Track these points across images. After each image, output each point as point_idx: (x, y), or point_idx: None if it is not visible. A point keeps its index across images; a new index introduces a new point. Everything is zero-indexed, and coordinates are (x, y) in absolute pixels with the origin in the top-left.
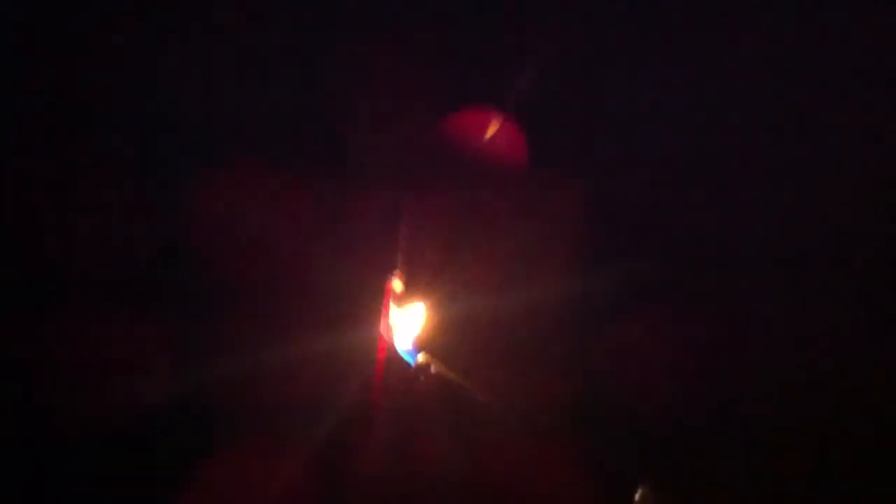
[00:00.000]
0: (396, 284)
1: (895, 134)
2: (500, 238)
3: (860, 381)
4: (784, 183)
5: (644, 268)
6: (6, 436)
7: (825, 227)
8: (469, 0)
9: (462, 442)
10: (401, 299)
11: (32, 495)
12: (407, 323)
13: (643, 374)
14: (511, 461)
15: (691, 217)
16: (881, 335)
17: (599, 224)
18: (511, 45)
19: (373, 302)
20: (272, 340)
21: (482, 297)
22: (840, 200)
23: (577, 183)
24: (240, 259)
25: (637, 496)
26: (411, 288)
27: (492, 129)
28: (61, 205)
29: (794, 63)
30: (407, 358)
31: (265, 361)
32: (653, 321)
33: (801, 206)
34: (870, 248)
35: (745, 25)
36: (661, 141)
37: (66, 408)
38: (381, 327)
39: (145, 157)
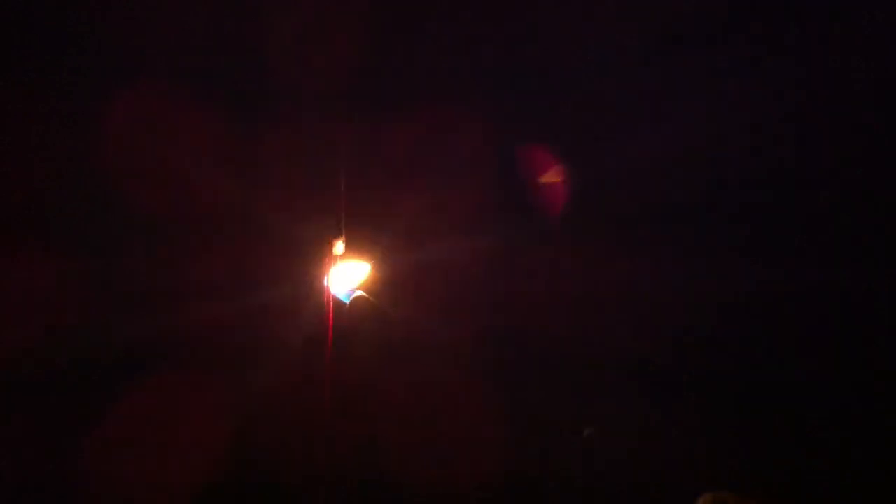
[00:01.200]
0: (338, 246)
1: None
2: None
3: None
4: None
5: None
6: None
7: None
8: None
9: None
10: (343, 256)
11: None
12: (351, 278)
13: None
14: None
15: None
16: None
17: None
18: None
19: (318, 257)
20: (227, 288)
21: (421, 251)
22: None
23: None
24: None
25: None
26: (354, 244)
27: None
28: None
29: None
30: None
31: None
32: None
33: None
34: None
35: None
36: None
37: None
38: (326, 279)
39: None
